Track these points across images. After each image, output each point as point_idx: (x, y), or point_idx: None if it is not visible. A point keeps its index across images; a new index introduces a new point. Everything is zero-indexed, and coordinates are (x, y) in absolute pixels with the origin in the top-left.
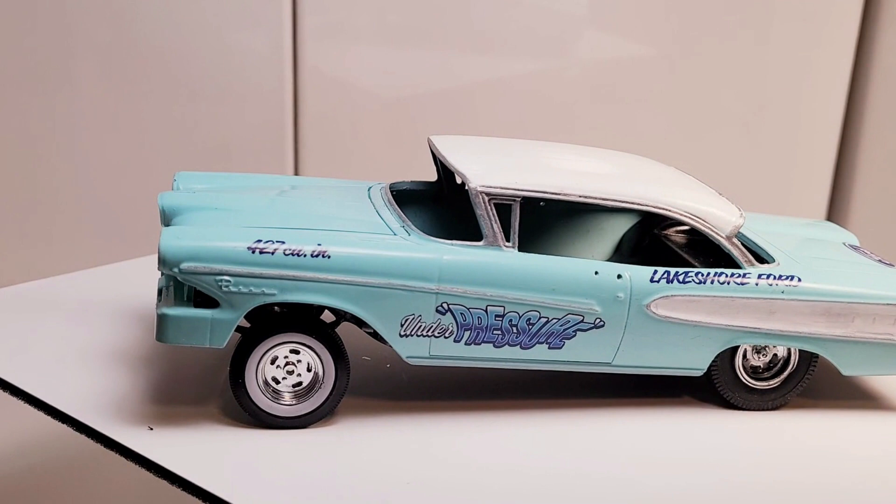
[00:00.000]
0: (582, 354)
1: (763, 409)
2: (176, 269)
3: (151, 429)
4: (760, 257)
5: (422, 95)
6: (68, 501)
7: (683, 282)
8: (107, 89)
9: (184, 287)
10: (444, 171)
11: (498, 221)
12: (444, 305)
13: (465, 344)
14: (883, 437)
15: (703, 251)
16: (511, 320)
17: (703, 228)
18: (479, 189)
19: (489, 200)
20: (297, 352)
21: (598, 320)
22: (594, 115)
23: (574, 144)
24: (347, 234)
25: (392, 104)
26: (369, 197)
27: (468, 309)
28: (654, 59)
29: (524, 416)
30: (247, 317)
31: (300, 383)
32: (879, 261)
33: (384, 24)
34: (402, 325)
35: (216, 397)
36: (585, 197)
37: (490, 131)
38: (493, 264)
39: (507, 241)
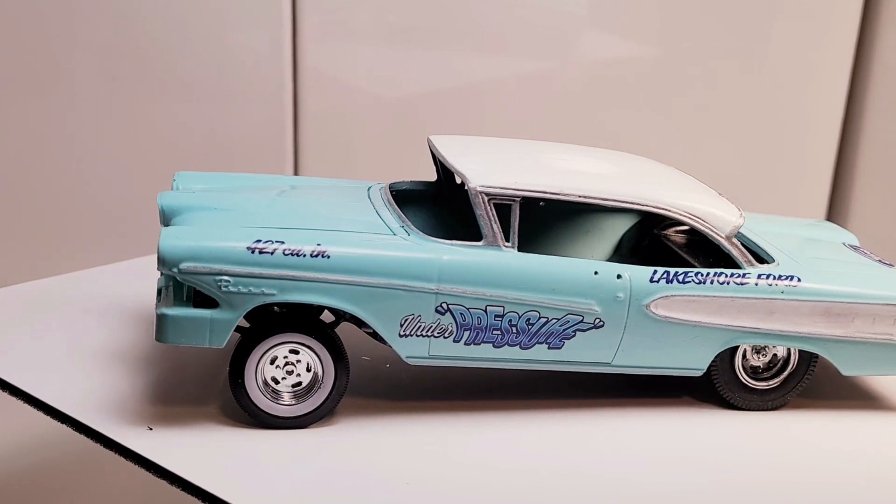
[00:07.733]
0: (582, 354)
1: (763, 409)
2: (175, 269)
3: (151, 429)
4: (760, 257)
5: (422, 95)
6: (68, 501)
7: (683, 282)
8: (107, 89)
9: (183, 287)
10: (444, 171)
11: (497, 221)
12: (444, 305)
13: (465, 344)
14: (883, 437)
15: (703, 251)
16: (511, 320)
17: (702, 228)
18: (479, 189)
19: (489, 200)
20: (296, 352)
21: (597, 320)
22: (594, 115)
23: (574, 144)
24: (347, 234)
25: (392, 104)
26: (369, 197)
27: (468, 309)
28: (654, 59)
29: (524, 415)
30: (246, 317)
31: (300, 383)
32: (879, 261)
33: (384, 24)
34: (401, 325)
35: (216, 397)
36: (585, 197)
37: (490, 131)
38: (492, 264)
39: (507, 241)
